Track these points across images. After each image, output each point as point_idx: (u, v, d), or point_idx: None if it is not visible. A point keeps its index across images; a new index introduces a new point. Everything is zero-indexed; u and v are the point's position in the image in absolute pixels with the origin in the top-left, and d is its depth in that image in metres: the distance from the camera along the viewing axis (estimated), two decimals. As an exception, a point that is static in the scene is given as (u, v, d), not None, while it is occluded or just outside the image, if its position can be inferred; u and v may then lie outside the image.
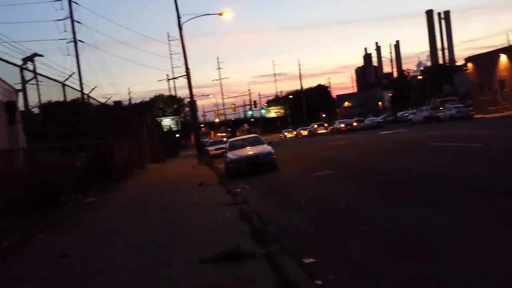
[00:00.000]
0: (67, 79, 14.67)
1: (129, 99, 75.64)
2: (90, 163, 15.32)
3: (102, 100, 21.87)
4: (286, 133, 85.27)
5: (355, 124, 59.78)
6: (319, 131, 66.60)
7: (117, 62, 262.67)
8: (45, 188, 10.65)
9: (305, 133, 71.95)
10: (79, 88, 25.73)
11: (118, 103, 51.55)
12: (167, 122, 69.19)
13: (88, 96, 18.43)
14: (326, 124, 71.15)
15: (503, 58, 46.83)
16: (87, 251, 7.21)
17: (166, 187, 15.74)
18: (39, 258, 7.13)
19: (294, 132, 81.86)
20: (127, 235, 8.18)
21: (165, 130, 59.50)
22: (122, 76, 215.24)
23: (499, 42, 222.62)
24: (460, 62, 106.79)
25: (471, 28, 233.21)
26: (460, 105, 49.95)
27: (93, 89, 17.06)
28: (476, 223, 6.30)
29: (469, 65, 54.34)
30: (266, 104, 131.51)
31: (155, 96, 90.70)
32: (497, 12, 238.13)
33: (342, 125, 60.00)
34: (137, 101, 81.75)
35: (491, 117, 40.21)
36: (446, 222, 6.59)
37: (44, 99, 12.74)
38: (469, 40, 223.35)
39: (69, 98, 14.96)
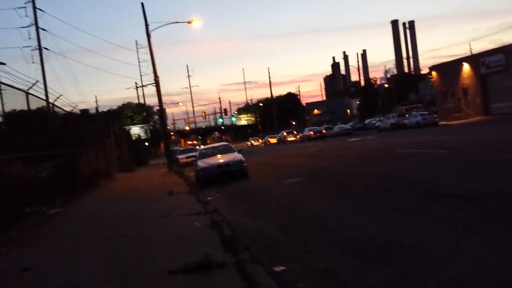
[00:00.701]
0: (31, 87, 14.18)
1: (97, 108, 74.36)
2: (55, 173, 14.93)
3: (68, 109, 21.32)
4: (252, 141, 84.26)
5: (324, 131, 60.60)
6: (288, 139, 67.07)
7: (84, 70, 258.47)
8: (7, 199, 10.29)
9: (273, 141, 72.14)
10: (44, 97, 25.08)
11: (85, 112, 50.59)
12: (136, 130, 68.14)
13: (53, 105, 17.97)
14: (295, 132, 71.69)
15: (466, 67, 48.37)
16: (52, 264, 6.96)
17: (134, 197, 15.45)
18: (0, 272, 6.85)
19: (261, 140, 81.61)
20: (94, 247, 7.96)
21: (134, 138, 58.64)
22: (90, 85, 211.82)
23: (462, 51, 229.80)
24: (424, 70, 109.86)
25: (435, 37, 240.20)
26: (425, 112, 51.25)
27: (58, 97, 16.49)
28: (444, 229, 6.39)
29: (433, 73, 55.93)
30: (236, 112, 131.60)
31: (123, 104, 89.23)
32: (460, 22, 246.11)
33: (312, 133, 60.67)
34: (105, 109, 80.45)
35: (455, 124, 41.37)
36: (415, 228, 6.67)
37: (8, 108, 12.37)
38: (433, 49, 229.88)
39: (34, 106, 14.53)
